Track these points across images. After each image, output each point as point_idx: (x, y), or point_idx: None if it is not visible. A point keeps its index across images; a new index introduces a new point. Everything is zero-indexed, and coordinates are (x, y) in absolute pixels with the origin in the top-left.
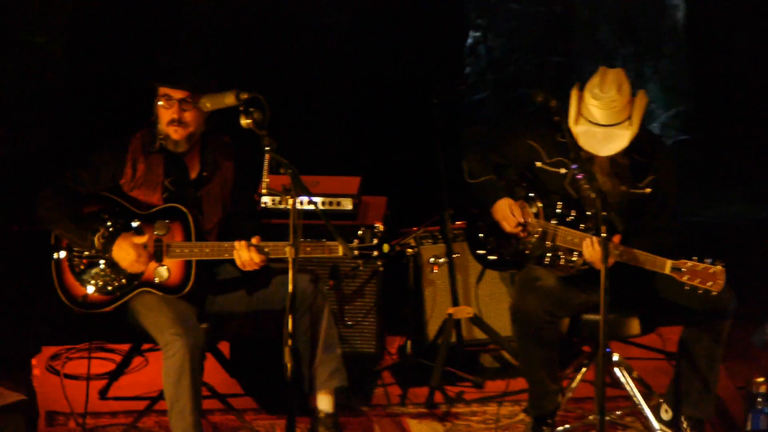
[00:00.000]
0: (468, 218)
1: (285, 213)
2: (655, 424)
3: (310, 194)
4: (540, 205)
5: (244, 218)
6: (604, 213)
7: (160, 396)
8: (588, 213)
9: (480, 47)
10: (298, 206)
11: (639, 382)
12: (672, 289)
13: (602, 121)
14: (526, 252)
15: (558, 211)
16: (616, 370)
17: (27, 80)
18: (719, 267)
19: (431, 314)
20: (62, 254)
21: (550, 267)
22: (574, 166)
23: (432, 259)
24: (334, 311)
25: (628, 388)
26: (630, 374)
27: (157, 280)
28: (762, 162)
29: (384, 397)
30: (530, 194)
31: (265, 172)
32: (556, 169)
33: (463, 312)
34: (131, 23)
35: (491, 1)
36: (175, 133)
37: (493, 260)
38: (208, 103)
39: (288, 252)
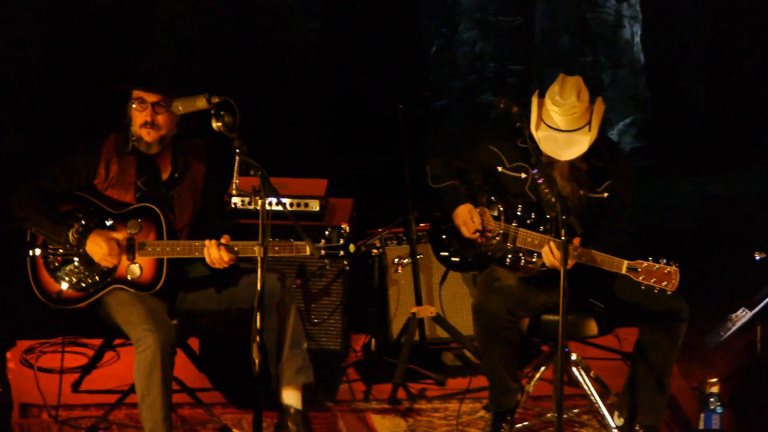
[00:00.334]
0: (431, 221)
1: (254, 213)
2: (611, 422)
3: (278, 195)
4: (501, 208)
5: (214, 218)
6: (564, 216)
7: (131, 390)
8: (548, 216)
9: (443, 55)
10: (267, 207)
11: (596, 381)
12: (629, 290)
13: (563, 126)
14: (488, 254)
15: (518, 213)
16: (574, 369)
17: (4, 81)
18: (674, 267)
19: (395, 313)
20: (37, 251)
21: (511, 268)
22: (534, 171)
23: (396, 260)
24: (301, 309)
25: (585, 387)
26: (587, 374)
27: (129, 277)
28: (713, 167)
29: (349, 392)
30: (491, 198)
31: (235, 174)
32: (517, 174)
33: (426, 311)
34: (105, 27)
35: (455, 10)
36: (148, 136)
37: (456, 262)
38: (180, 106)
39: (257, 251)
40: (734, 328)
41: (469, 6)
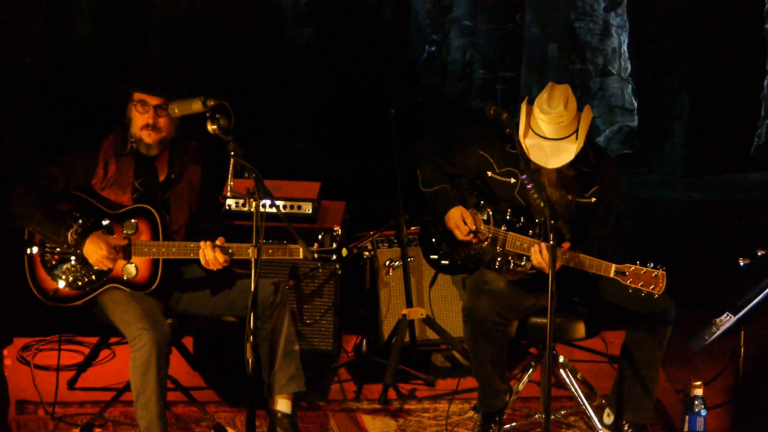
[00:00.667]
0: (422, 224)
1: (248, 215)
2: (598, 424)
3: (272, 198)
4: (490, 212)
5: (209, 219)
6: (552, 221)
7: (126, 387)
8: (536, 220)
9: (435, 61)
10: (261, 209)
11: (583, 383)
12: (616, 293)
13: (550, 135)
14: (478, 257)
15: (507, 218)
16: (562, 371)
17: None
18: (661, 271)
19: (386, 315)
20: (35, 250)
21: (500, 271)
22: (524, 177)
23: (387, 262)
24: (294, 310)
25: (572, 388)
26: (575, 376)
27: (125, 276)
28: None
29: (340, 392)
30: (481, 202)
31: (229, 176)
32: (506, 179)
33: (416, 313)
34: (103, 29)
35: (445, 17)
36: (149, 137)
37: (446, 265)
38: (176, 109)
39: (251, 253)
40: (719, 332)
41: (460, 13)
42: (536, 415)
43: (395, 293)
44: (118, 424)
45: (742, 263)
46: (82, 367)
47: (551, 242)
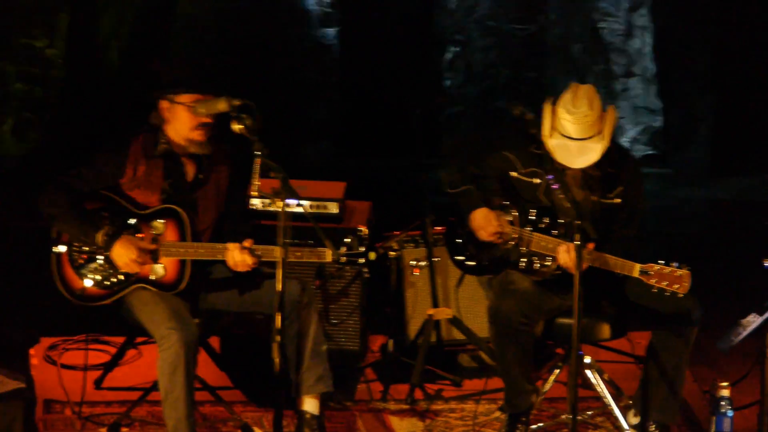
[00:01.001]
0: (448, 225)
1: (273, 215)
2: (625, 425)
3: (298, 197)
4: (515, 213)
5: (236, 220)
6: (578, 222)
7: (153, 387)
8: (560, 221)
9: (459, 62)
10: (287, 209)
11: (609, 384)
12: (641, 293)
13: (575, 135)
14: (503, 257)
15: (532, 218)
16: (588, 372)
17: (26, 82)
18: (685, 270)
19: (412, 315)
20: (62, 248)
21: (526, 272)
22: (549, 177)
23: (413, 262)
24: (320, 310)
25: (599, 389)
26: (601, 376)
27: (152, 277)
28: (723, 174)
29: (367, 392)
30: (506, 202)
31: (255, 176)
32: (531, 179)
33: (443, 313)
34: (127, 32)
35: (469, 18)
36: (202, 136)
37: (472, 266)
38: (201, 109)
39: (278, 253)
40: (745, 333)
41: (484, 14)
42: (563, 416)
43: (421, 293)
44: (144, 423)
45: (767, 264)
46: (108, 367)
47: (576, 242)
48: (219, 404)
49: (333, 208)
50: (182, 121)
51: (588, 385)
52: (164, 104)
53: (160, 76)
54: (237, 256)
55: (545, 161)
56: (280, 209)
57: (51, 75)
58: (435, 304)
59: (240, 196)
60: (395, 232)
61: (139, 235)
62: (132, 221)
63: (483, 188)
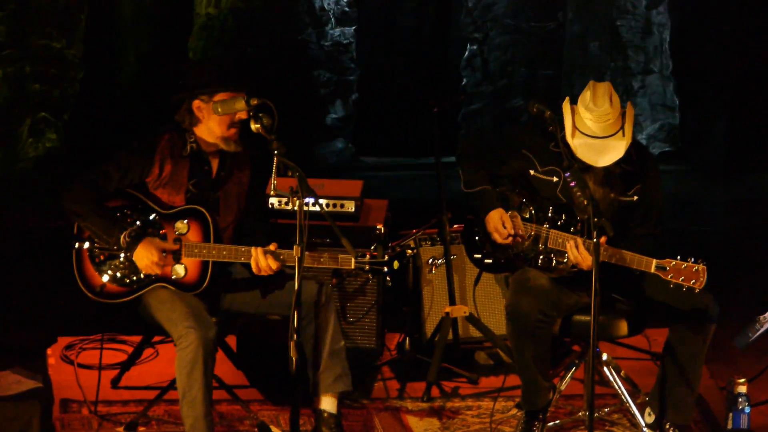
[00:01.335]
0: (465, 223)
1: (291, 214)
2: (642, 422)
3: (316, 196)
4: (532, 210)
5: (255, 219)
6: (596, 219)
7: (170, 386)
8: (578, 218)
9: (476, 60)
10: (305, 208)
11: (626, 381)
12: (659, 290)
13: (599, 133)
14: (520, 255)
15: (549, 215)
16: (605, 369)
17: (44, 83)
18: (701, 265)
19: (429, 313)
20: (85, 245)
21: (543, 269)
22: (567, 174)
23: (430, 260)
24: (337, 308)
25: (616, 386)
26: (618, 373)
27: (173, 276)
28: (741, 170)
29: (383, 390)
30: (523, 200)
31: (273, 174)
32: (549, 178)
33: (460, 311)
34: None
35: (487, 16)
36: (236, 135)
37: (489, 263)
38: (219, 108)
39: (295, 251)
40: (762, 330)
41: (501, 12)
42: (580, 413)
43: (438, 291)
44: (161, 422)
45: None
46: (125, 366)
47: (594, 239)
48: (236, 403)
49: (350, 207)
50: (219, 120)
51: (605, 382)
52: (197, 103)
53: (191, 76)
54: (262, 262)
55: (563, 159)
56: (297, 208)
57: (69, 76)
58: (452, 302)
59: (261, 196)
60: (412, 230)
61: (162, 232)
62: (156, 220)
63: (500, 187)
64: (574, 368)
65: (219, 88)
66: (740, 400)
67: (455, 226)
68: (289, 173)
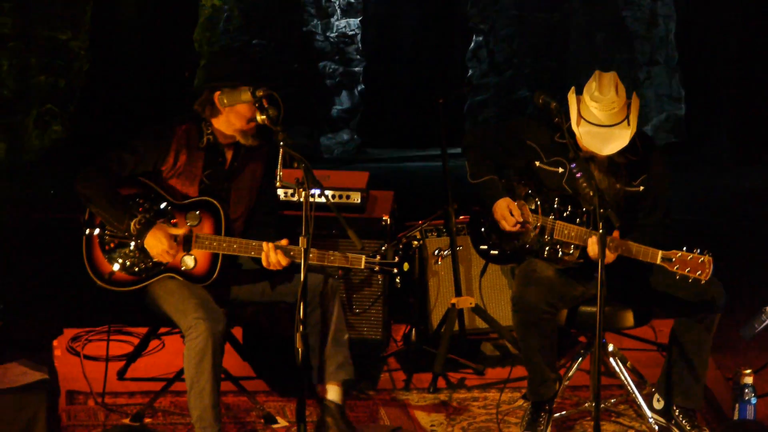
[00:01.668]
0: (471, 214)
1: (297, 205)
2: (648, 412)
3: (322, 187)
4: (538, 201)
5: (265, 211)
6: (602, 209)
7: (177, 377)
8: (584, 209)
9: (482, 51)
10: (310, 199)
11: (632, 371)
12: (664, 281)
13: (604, 121)
14: (526, 246)
15: (555, 206)
16: (611, 360)
17: (50, 74)
18: (707, 257)
19: (435, 304)
20: (96, 231)
21: (549, 260)
22: (572, 165)
23: (436, 251)
24: (343, 299)
25: (622, 377)
26: (624, 364)
27: (183, 267)
28: (747, 161)
29: (389, 381)
30: (529, 191)
31: (279, 166)
32: (554, 169)
33: (466, 302)
34: (149, 22)
35: (493, 7)
36: (254, 129)
37: (495, 255)
38: (225, 99)
39: (301, 242)
40: None
41: (507, 3)
42: (586, 404)
43: (444, 282)
44: (168, 413)
45: None
46: (131, 358)
47: (600, 230)
48: (242, 394)
49: (356, 198)
50: (240, 114)
51: (611, 372)
52: (219, 95)
53: (215, 68)
54: (272, 258)
55: (569, 150)
56: (303, 199)
57: (74, 67)
58: (458, 293)
59: (273, 189)
60: (418, 222)
61: (174, 222)
62: (167, 210)
63: (506, 178)
64: (580, 359)
65: (245, 82)
66: (746, 391)
67: (461, 217)
68: (295, 164)
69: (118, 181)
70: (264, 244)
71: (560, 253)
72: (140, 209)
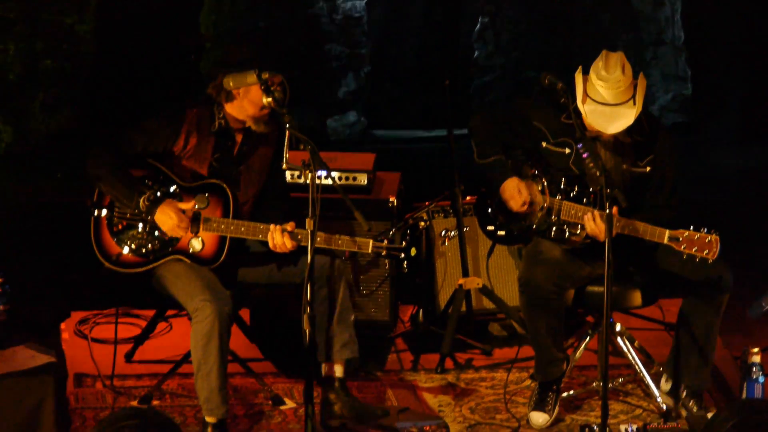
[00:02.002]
0: (478, 195)
1: (303, 187)
2: (656, 391)
3: (328, 169)
4: (545, 182)
5: (274, 195)
6: (608, 190)
7: (184, 359)
8: (591, 189)
9: (488, 32)
10: (317, 181)
11: (640, 351)
12: (671, 261)
13: (610, 100)
14: (533, 227)
15: (562, 187)
16: (619, 339)
17: (56, 58)
18: (714, 236)
19: (442, 285)
20: (103, 212)
21: (556, 240)
22: (579, 146)
23: (443, 232)
24: (350, 281)
25: (629, 356)
26: (632, 344)
27: (190, 250)
28: (754, 140)
29: (397, 362)
30: (536, 172)
31: (285, 148)
32: (561, 149)
33: (473, 283)
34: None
35: None
36: (267, 116)
37: (502, 235)
38: (231, 82)
39: (307, 224)
40: None
41: None
42: (594, 383)
43: (451, 263)
44: (175, 396)
45: None
46: (139, 340)
47: (607, 210)
48: (249, 376)
49: (362, 180)
50: (254, 100)
51: (619, 352)
52: (224, 79)
53: (232, 53)
54: (278, 239)
55: (576, 130)
56: (310, 181)
57: (81, 51)
58: (465, 274)
59: (281, 175)
60: (425, 203)
61: (186, 204)
62: (176, 192)
63: (513, 158)
64: (587, 339)
65: (262, 68)
66: (754, 369)
67: (468, 198)
68: (301, 146)
69: (127, 161)
70: (271, 225)
71: (567, 233)
72: (149, 188)
